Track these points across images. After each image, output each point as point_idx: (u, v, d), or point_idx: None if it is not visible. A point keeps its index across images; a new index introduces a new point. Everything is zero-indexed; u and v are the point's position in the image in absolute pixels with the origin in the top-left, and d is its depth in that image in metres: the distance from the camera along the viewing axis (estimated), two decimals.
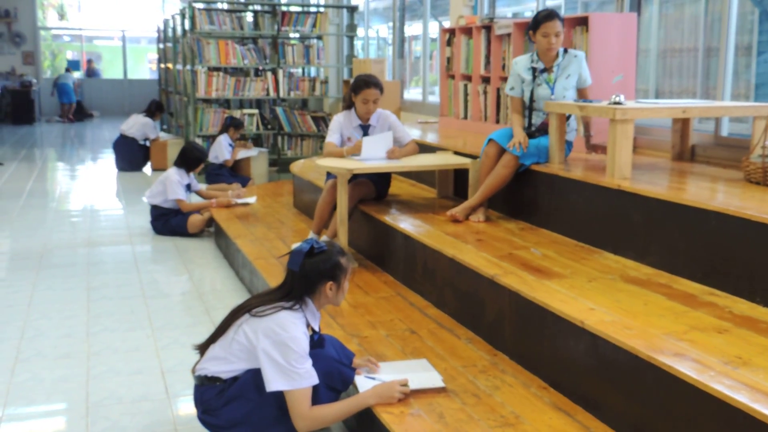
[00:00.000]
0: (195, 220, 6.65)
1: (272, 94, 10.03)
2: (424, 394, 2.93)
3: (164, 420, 3.25)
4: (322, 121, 10.18)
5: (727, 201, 3.40)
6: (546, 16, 4.50)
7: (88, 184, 9.81)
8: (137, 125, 10.58)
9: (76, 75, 21.62)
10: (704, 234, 3.28)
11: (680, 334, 2.69)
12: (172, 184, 6.67)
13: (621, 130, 3.91)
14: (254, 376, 2.80)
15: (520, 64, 4.72)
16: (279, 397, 2.76)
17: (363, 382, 2.96)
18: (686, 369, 2.38)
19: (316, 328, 2.93)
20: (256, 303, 2.87)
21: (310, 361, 2.77)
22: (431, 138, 6.37)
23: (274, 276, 4.56)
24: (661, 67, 5.70)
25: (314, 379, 2.76)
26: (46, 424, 3.26)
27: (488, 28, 6.53)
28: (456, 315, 3.83)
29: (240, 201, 6.93)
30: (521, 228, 4.44)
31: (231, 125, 8.90)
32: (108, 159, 11.28)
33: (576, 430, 2.67)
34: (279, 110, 10.14)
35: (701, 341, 2.62)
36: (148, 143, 10.70)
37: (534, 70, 4.63)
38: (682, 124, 4.75)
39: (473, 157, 5.06)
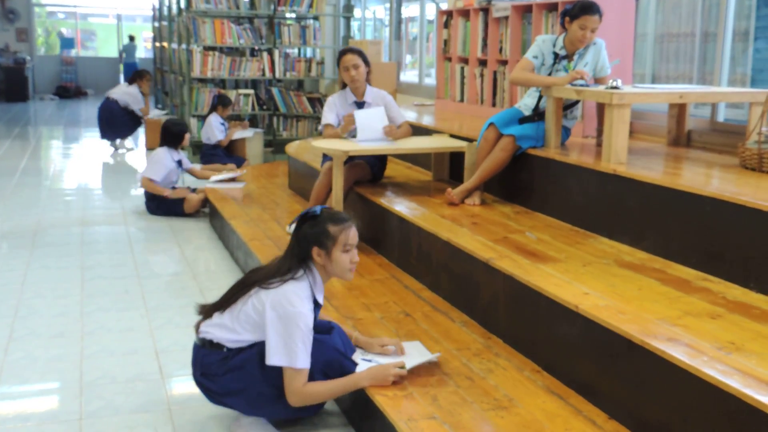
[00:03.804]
0: (192, 200, 6.63)
1: (268, 74, 9.98)
2: (418, 377, 2.94)
3: (158, 400, 3.26)
4: (317, 102, 10.14)
5: (722, 187, 3.40)
6: (589, 8, 4.36)
7: (82, 162, 9.77)
8: (120, 91, 10.70)
9: (71, 52, 21.52)
10: (699, 219, 3.29)
11: (674, 319, 2.70)
12: (155, 164, 6.67)
13: (618, 115, 3.90)
14: (259, 351, 2.79)
15: (546, 45, 4.60)
16: (279, 377, 2.76)
17: (359, 364, 2.96)
18: (679, 354, 2.39)
19: (320, 300, 2.88)
20: (265, 274, 2.85)
21: (311, 340, 2.75)
22: (427, 120, 6.35)
23: (268, 257, 4.54)
24: (658, 52, 5.68)
25: (309, 362, 2.75)
26: (40, 403, 3.26)
27: (486, 11, 6.49)
28: (450, 298, 3.83)
29: (226, 186, 6.86)
30: (516, 212, 4.44)
31: (218, 104, 8.84)
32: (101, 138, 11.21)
33: (569, 414, 2.68)
34: (275, 91, 10.10)
35: (695, 326, 2.63)
36: (138, 112, 10.71)
37: (556, 55, 4.58)
38: (679, 110, 4.74)
39: (469, 140, 5.05)
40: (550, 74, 4.58)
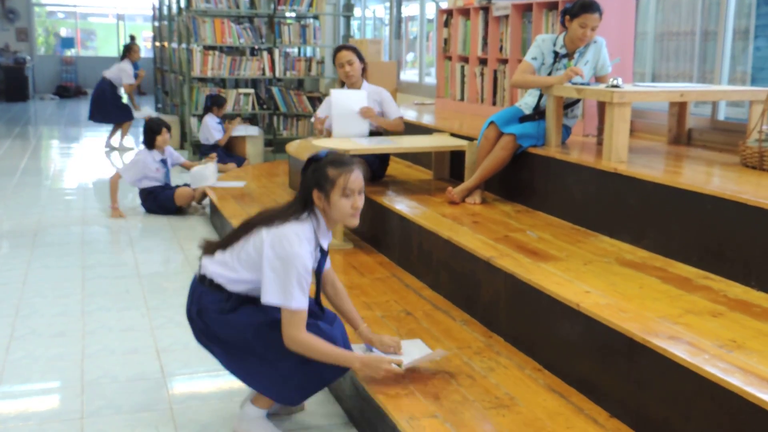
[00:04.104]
0: (183, 192, 6.64)
1: (268, 73, 9.98)
2: (419, 376, 2.94)
3: (159, 399, 3.26)
4: (318, 102, 10.13)
5: (723, 185, 3.40)
6: (589, 6, 4.36)
7: (83, 161, 9.77)
8: (115, 69, 10.88)
9: (71, 52, 21.51)
10: (700, 218, 3.29)
11: (675, 317, 2.70)
12: (130, 164, 6.72)
13: (618, 114, 3.90)
14: (257, 306, 2.75)
15: (546, 45, 4.61)
16: (269, 337, 2.73)
17: (360, 348, 3.00)
18: (681, 352, 2.39)
19: (324, 246, 2.82)
20: (269, 215, 2.78)
21: (308, 282, 2.68)
22: (427, 119, 6.35)
23: None
24: (658, 50, 5.68)
25: (306, 302, 2.68)
26: (41, 402, 3.26)
27: (486, 10, 6.49)
28: (451, 297, 3.84)
29: (227, 185, 6.85)
30: (517, 210, 4.44)
31: (213, 105, 8.85)
32: (102, 137, 11.22)
33: (570, 412, 2.69)
34: (275, 90, 10.10)
35: (696, 324, 2.63)
36: (127, 101, 10.90)
37: (556, 54, 4.58)
38: (679, 108, 4.74)
39: (470, 139, 5.05)
40: (550, 73, 4.58)
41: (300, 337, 2.66)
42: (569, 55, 4.56)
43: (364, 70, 5.19)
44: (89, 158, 10.05)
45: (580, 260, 3.41)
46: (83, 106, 17.49)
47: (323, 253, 2.85)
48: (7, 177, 8.39)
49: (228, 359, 2.85)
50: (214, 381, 3.44)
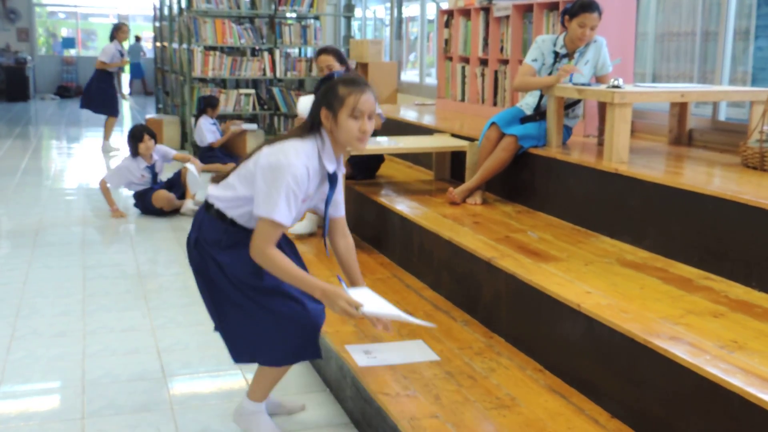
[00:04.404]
0: (160, 195, 6.59)
1: (269, 74, 9.99)
2: (421, 377, 2.94)
3: (160, 399, 3.26)
4: None
5: (723, 186, 3.40)
6: (588, 6, 4.37)
7: (83, 161, 9.77)
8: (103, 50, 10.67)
9: (72, 52, 21.52)
10: (701, 218, 3.29)
11: (676, 318, 2.70)
12: (115, 171, 6.77)
13: (619, 114, 3.90)
14: (246, 264, 2.66)
15: (546, 45, 4.62)
16: (253, 286, 2.69)
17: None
18: (682, 353, 2.39)
19: (330, 169, 2.65)
20: (275, 138, 2.68)
21: (298, 199, 2.55)
22: (428, 120, 6.35)
23: None
24: (658, 51, 5.68)
25: (290, 221, 2.56)
26: (42, 402, 3.26)
27: (487, 10, 6.49)
28: (452, 297, 3.84)
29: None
30: (518, 211, 4.44)
31: (206, 106, 8.83)
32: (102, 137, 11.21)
33: (571, 413, 2.69)
34: (275, 90, 10.10)
35: (697, 325, 2.63)
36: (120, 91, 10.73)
37: (556, 54, 4.59)
38: (680, 109, 4.74)
39: (470, 139, 5.05)
40: (550, 74, 4.58)
41: (268, 251, 2.54)
42: (569, 55, 4.56)
43: (346, 72, 5.21)
44: (90, 158, 10.05)
45: (581, 261, 3.41)
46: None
47: (332, 181, 2.70)
48: (8, 177, 8.40)
49: (211, 300, 2.80)
50: (215, 381, 3.44)
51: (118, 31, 10.56)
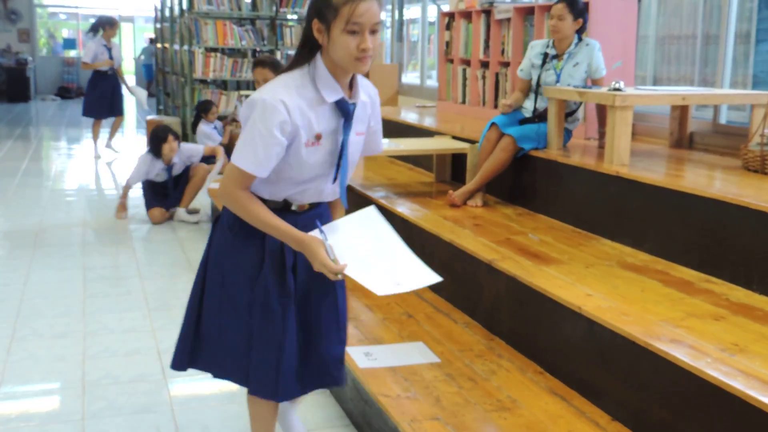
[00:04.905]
0: (153, 213, 6.48)
1: None
2: (421, 378, 2.94)
3: (160, 400, 3.26)
4: None
5: (724, 188, 3.40)
6: None
7: (84, 163, 9.77)
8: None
9: (72, 53, 21.52)
10: (701, 221, 3.29)
11: (677, 320, 2.70)
12: (134, 170, 6.55)
13: (620, 117, 3.91)
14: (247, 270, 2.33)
15: (535, 49, 4.73)
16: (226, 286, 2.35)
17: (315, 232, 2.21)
18: (682, 355, 2.39)
19: (328, 98, 2.13)
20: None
21: (273, 140, 2.07)
22: (429, 122, 6.36)
23: None
24: (659, 54, 5.69)
25: (260, 169, 2.11)
26: (43, 403, 3.26)
27: (488, 13, 6.50)
28: (453, 299, 3.84)
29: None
30: (519, 213, 4.44)
31: (201, 112, 8.74)
32: (103, 139, 11.21)
33: (572, 415, 2.69)
34: None
35: (698, 328, 2.63)
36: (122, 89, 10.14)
37: (546, 55, 4.62)
38: (681, 111, 4.75)
39: (471, 141, 5.05)
40: (540, 75, 4.64)
41: (235, 193, 2.15)
42: (558, 57, 4.60)
43: None
44: (91, 160, 10.04)
45: (581, 263, 3.41)
46: None
47: (345, 114, 2.17)
48: (8, 178, 8.40)
49: (195, 282, 2.45)
50: (215, 382, 3.43)
51: (106, 27, 9.71)
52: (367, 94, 2.29)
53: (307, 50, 2.15)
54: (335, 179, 2.25)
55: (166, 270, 5.27)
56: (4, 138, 11.72)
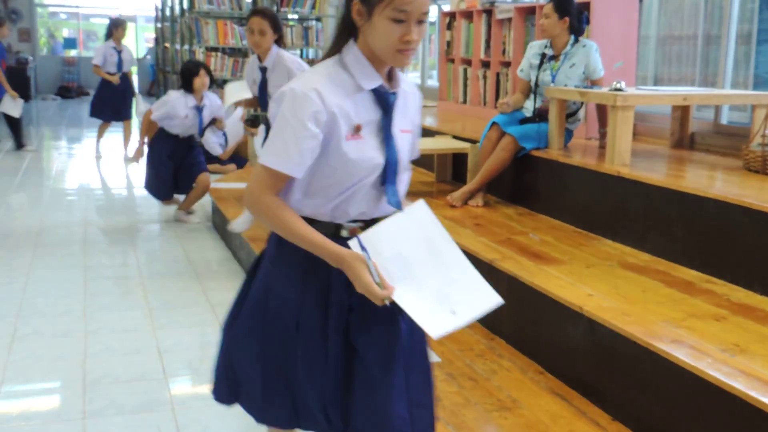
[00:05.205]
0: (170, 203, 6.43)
1: None
2: None
3: (161, 400, 3.25)
4: None
5: (726, 189, 3.40)
6: None
7: (85, 162, 9.77)
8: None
9: (72, 53, 21.53)
10: (703, 222, 3.29)
11: (678, 321, 2.70)
12: (160, 101, 6.13)
13: (621, 117, 3.91)
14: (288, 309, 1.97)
15: (533, 49, 4.77)
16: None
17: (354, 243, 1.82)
18: (683, 356, 2.39)
19: (365, 85, 1.84)
20: None
21: (304, 138, 1.78)
22: (430, 122, 6.36)
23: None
24: (660, 54, 5.69)
25: (292, 167, 1.80)
26: (43, 402, 3.26)
27: (489, 12, 6.50)
28: None
29: (228, 186, 6.64)
30: (520, 213, 4.44)
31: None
32: (104, 138, 11.21)
33: (572, 415, 2.69)
34: None
35: (699, 328, 2.63)
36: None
37: (543, 55, 4.64)
38: (682, 112, 4.75)
39: (472, 141, 5.05)
40: (537, 75, 4.64)
41: (262, 197, 1.84)
42: (555, 57, 4.62)
43: (279, 40, 4.61)
44: (91, 159, 10.05)
45: (582, 263, 3.41)
46: (85, 107, 17.47)
47: (383, 104, 1.87)
48: (9, 177, 8.40)
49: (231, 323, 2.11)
50: None
51: (115, 29, 9.65)
52: (407, 84, 2.00)
53: (345, 37, 1.88)
54: (384, 182, 1.89)
55: (166, 269, 5.26)
56: (5, 137, 11.72)
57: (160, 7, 13.66)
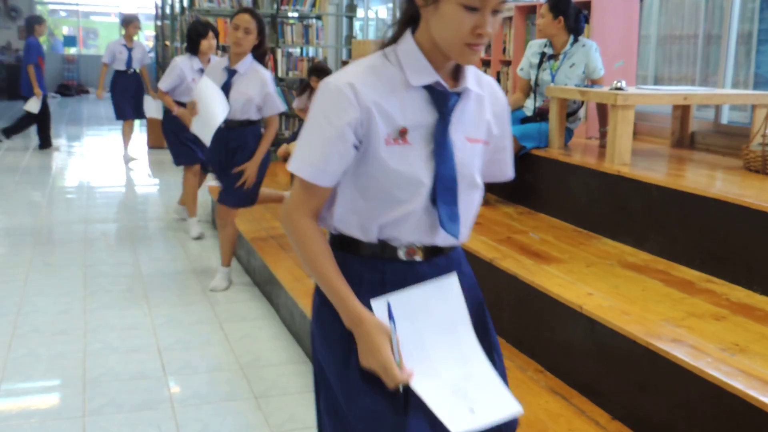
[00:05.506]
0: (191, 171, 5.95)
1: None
2: None
3: (161, 398, 3.26)
4: None
5: (726, 188, 3.40)
6: None
7: (85, 159, 9.77)
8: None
9: (72, 51, 21.53)
10: (703, 221, 3.29)
11: (678, 320, 2.70)
12: (167, 70, 5.81)
13: (622, 116, 3.90)
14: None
15: (532, 48, 4.78)
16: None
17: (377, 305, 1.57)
18: (683, 355, 2.39)
19: (415, 81, 1.55)
20: None
21: (337, 142, 1.53)
22: None
23: (270, 256, 4.56)
24: (660, 53, 5.69)
25: (317, 174, 1.55)
26: (43, 400, 3.26)
27: None
28: None
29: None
30: (520, 212, 4.44)
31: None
32: (103, 136, 11.22)
33: (572, 414, 2.69)
34: (277, 90, 10.09)
35: (698, 328, 2.63)
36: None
37: (543, 54, 4.65)
38: (682, 111, 4.75)
39: None
40: (537, 74, 4.64)
41: (295, 218, 1.60)
42: (555, 56, 4.63)
43: (258, 46, 4.42)
44: (91, 157, 10.05)
45: (582, 262, 3.41)
46: (85, 105, 17.53)
47: (439, 104, 1.56)
48: (8, 175, 8.40)
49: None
50: (216, 380, 3.44)
51: (126, 25, 9.46)
52: (483, 84, 1.66)
53: (403, 27, 1.60)
54: (436, 201, 1.56)
55: (166, 267, 5.27)
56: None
57: (160, 4, 13.65)
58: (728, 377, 2.24)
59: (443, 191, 1.56)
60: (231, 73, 4.41)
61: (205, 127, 4.35)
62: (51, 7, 23.32)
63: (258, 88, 4.46)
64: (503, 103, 1.71)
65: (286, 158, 7.46)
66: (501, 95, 1.71)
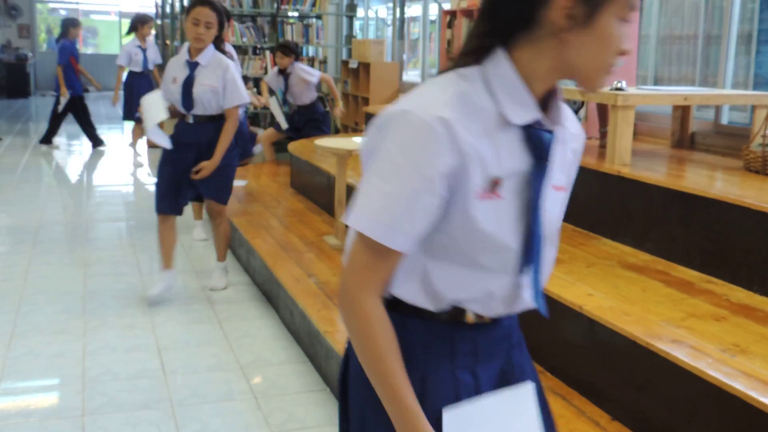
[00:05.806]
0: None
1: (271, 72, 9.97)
2: None
3: (160, 397, 3.25)
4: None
5: (726, 189, 3.40)
6: None
7: (84, 158, 9.76)
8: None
9: None
10: (703, 222, 3.29)
11: (678, 321, 2.70)
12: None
13: (622, 116, 3.90)
14: None
15: None
16: None
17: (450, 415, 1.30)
18: (683, 356, 2.39)
19: (516, 119, 1.20)
20: None
21: (423, 198, 1.17)
22: None
23: (271, 254, 4.56)
24: (660, 54, 5.69)
25: (394, 235, 1.18)
26: (42, 399, 3.26)
27: None
28: None
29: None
30: None
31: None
32: (103, 135, 11.22)
33: (572, 415, 2.68)
34: (277, 89, 10.09)
35: (699, 328, 2.63)
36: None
37: None
38: (682, 112, 4.74)
39: None
40: None
41: (360, 299, 1.23)
42: None
43: (218, 37, 4.24)
44: (90, 156, 10.04)
45: (582, 263, 3.41)
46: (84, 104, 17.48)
47: (536, 148, 1.23)
48: (8, 174, 8.39)
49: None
50: (215, 379, 3.44)
51: (141, 25, 9.33)
52: (568, 117, 1.34)
53: (492, 42, 1.24)
54: (523, 267, 1.28)
55: None
56: (4, 133, 11.72)
57: (160, 3, 13.64)
58: (728, 378, 2.23)
59: (535, 254, 1.27)
60: (193, 66, 4.21)
61: (157, 134, 4.26)
62: (51, 5, 23.31)
63: (221, 77, 4.23)
64: (582, 139, 1.39)
65: (272, 142, 7.43)
66: (581, 133, 1.39)
